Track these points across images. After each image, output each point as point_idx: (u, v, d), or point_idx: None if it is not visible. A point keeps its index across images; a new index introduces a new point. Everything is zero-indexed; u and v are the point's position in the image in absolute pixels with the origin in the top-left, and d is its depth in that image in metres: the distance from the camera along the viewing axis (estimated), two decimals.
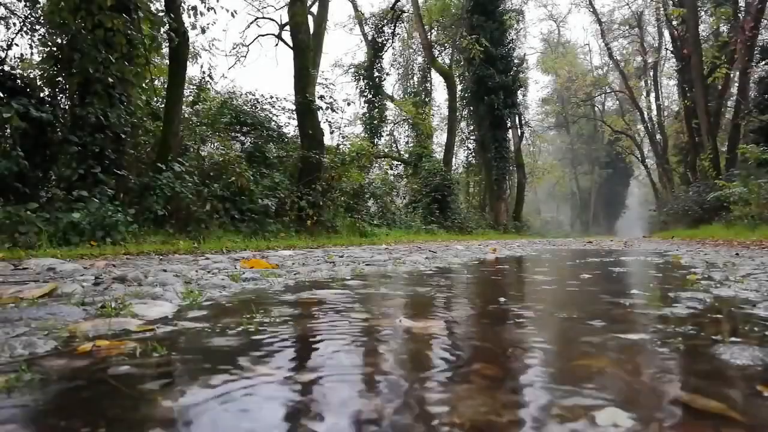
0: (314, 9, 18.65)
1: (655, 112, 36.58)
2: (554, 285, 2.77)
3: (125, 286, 2.30)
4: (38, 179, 7.22)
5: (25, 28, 8.49)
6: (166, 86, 10.42)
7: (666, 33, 31.65)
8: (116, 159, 7.82)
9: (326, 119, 13.91)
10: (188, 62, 10.37)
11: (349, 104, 15.45)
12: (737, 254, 5.52)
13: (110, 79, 7.61)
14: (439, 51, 29.15)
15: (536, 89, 61.63)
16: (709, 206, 17.87)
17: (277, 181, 11.33)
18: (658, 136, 35.08)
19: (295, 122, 13.48)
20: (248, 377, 0.95)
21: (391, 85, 32.34)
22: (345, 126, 19.87)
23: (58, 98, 8.09)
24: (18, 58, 8.69)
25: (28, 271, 3.22)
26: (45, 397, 0.86)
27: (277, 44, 24.21)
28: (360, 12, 28.93)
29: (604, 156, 53.26)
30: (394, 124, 30.47)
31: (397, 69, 31.74)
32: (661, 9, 28.16)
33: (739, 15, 21.47)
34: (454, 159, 29.50)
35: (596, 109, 47.88)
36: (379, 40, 28.63)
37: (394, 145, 30.33)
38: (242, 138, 13.78)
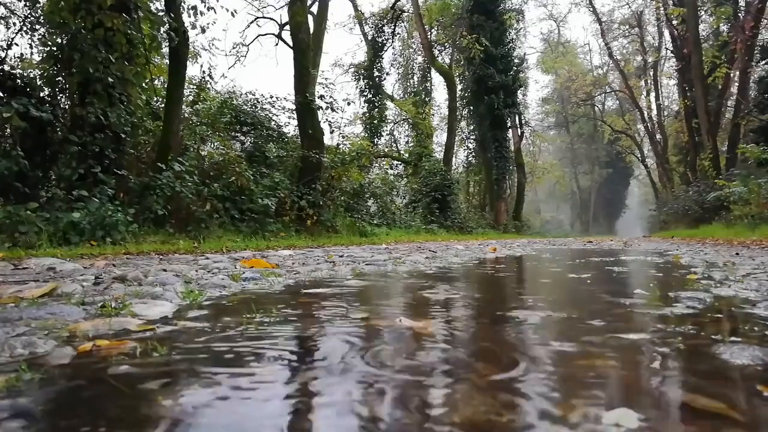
0: (314, 9, 18.66)
1: (655, 112, 36.62)
2: (554, 284, 2.77)
3: (125, 286, 2.30)
4: (38, 179, 7.22)
5: (25, 28, 8.48)
6: (166, 86, 10.41)
7: (666, 32, 31.63)
8: (116, 159, 7.81)
9: (326, 119, 13.93)
10: (188, 62, 10.36)
11: (349, 104, 15.48)
12: (737, 254, 5.52)
13: (110, 79, 7.60)
14: (439, 51, 29.16)
15: (536, 89, 61.52)
16: (709, 206, 17.87)
17: (277, 180, 11.33)
18: (658, 136, 35.08)
19: (295, 122, 13.49)
20: (249, 377, 0.95)
21: (391, 84, 32.43)
22: (345, 126, 19.95)
23: (58, 98, 8.08)
24: (18, 57, 8.68)
25: (28, 270, 3.22)
26: (45, 397, 0.86)
27: (277, 44, 24.25)
28: (360, 12, 28.94)
29: (604, 156, 53.23)
30: (394, 123, 30.49)
31: (397, 69, 31.78)
32: (661, 8, 28.14)
33: (739, 15, 21.46)
34: (454, 159, 29.53)
35: (596, 108, 47.85)
36: (379, 39, 28.64)
37: (394, 145, 30.33)
38: (242, 138, 13.76)
